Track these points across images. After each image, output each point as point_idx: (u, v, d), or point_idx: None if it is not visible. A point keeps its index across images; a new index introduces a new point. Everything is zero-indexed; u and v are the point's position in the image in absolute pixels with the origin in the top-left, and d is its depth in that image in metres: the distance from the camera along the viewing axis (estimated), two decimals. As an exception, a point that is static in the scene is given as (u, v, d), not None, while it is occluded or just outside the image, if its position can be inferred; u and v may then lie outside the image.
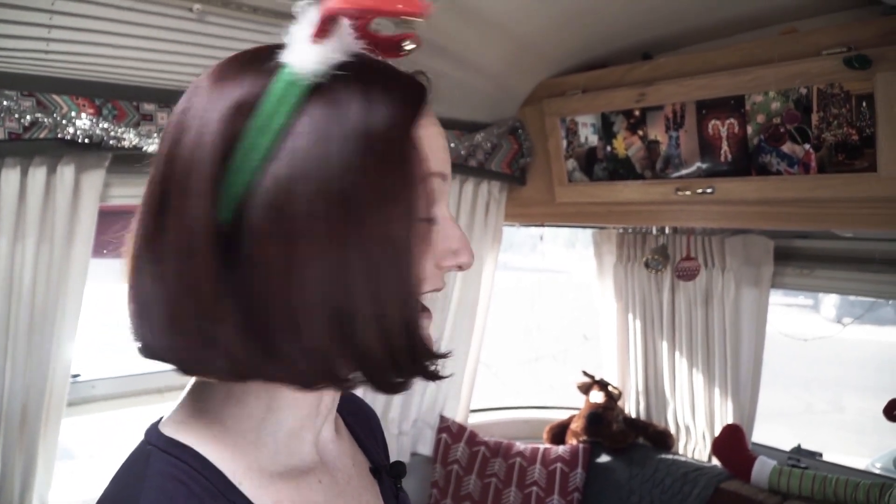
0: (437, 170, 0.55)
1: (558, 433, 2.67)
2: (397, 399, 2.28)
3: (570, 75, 2.09)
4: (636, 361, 2.67)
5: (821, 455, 2.29)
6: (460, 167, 2.16)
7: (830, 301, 9.32)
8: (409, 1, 0.47)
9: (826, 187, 1.61)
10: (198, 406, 0.57)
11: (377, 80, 0.52)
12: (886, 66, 1.41)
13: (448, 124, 2.10)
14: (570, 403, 2.82)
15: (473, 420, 2.70)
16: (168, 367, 0.53)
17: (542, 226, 2.57)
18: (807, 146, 1.60)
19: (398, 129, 0.51)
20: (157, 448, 0.54)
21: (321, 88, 0.49)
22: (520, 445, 2.52)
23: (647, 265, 2.36)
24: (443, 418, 2.47)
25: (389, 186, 0.50)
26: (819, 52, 1.52)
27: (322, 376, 0.52)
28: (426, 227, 0.54)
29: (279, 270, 0.48)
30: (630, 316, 2.67)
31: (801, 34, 1.59)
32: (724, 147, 1.75)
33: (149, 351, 0.53)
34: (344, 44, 0.51)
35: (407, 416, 2.36)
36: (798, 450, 2.33)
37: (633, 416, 2.68)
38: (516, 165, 2.30)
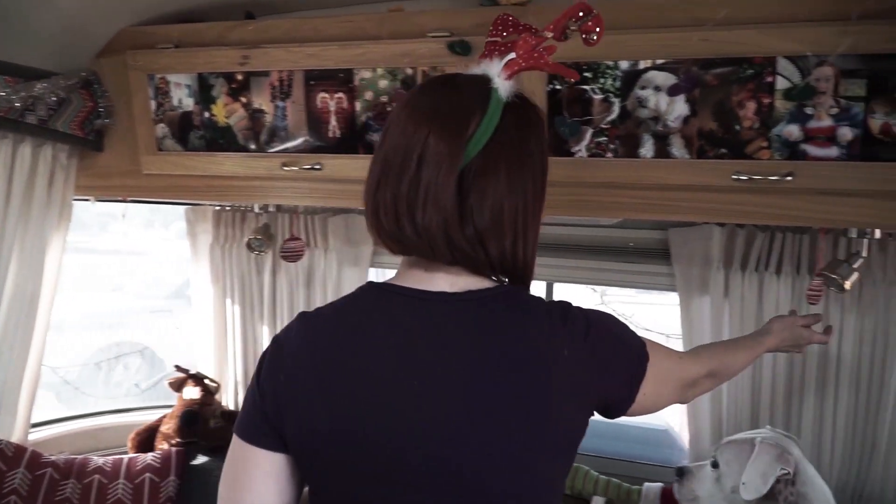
0: None
1: (146, 439, 2.35)
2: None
3: (161, 25, 1.79)
4: (235, 349, 2.50)
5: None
6: (13, 123, 1.69)
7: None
8: (568, 70, 0.98)
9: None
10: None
11: (532, 104, 0.94)
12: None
13: (-4, 67, 1.62)
14: (163, 402, 2.52)
15: (36, 437, 2.22)
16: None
17: (125, 201, 2.20)
18: (412, 127, 1.62)
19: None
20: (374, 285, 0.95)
21: (512, 105, 0.89)
22: (98, 460, 2.14)
23: (249, 246, 2.20)
24: (-9, 441, 1.95)
25: (545, 165, 0.95)
26: (424, 33, 1.55)
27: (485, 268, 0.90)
28: None
29: (487, 197, 0.86)
30: (228, 301, 2.47)
31: (408, 14, 1.60)
32: (333, 122, 1.68)
33: (399, 244, 0.89)
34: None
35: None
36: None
37: (233, 408, 2.50)
38: (90, 127, 1.90)
